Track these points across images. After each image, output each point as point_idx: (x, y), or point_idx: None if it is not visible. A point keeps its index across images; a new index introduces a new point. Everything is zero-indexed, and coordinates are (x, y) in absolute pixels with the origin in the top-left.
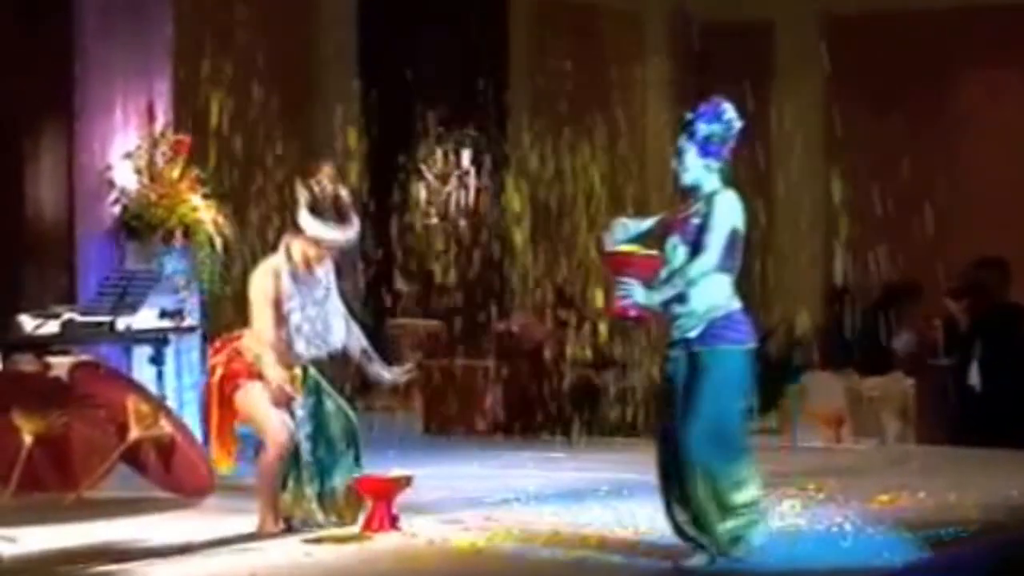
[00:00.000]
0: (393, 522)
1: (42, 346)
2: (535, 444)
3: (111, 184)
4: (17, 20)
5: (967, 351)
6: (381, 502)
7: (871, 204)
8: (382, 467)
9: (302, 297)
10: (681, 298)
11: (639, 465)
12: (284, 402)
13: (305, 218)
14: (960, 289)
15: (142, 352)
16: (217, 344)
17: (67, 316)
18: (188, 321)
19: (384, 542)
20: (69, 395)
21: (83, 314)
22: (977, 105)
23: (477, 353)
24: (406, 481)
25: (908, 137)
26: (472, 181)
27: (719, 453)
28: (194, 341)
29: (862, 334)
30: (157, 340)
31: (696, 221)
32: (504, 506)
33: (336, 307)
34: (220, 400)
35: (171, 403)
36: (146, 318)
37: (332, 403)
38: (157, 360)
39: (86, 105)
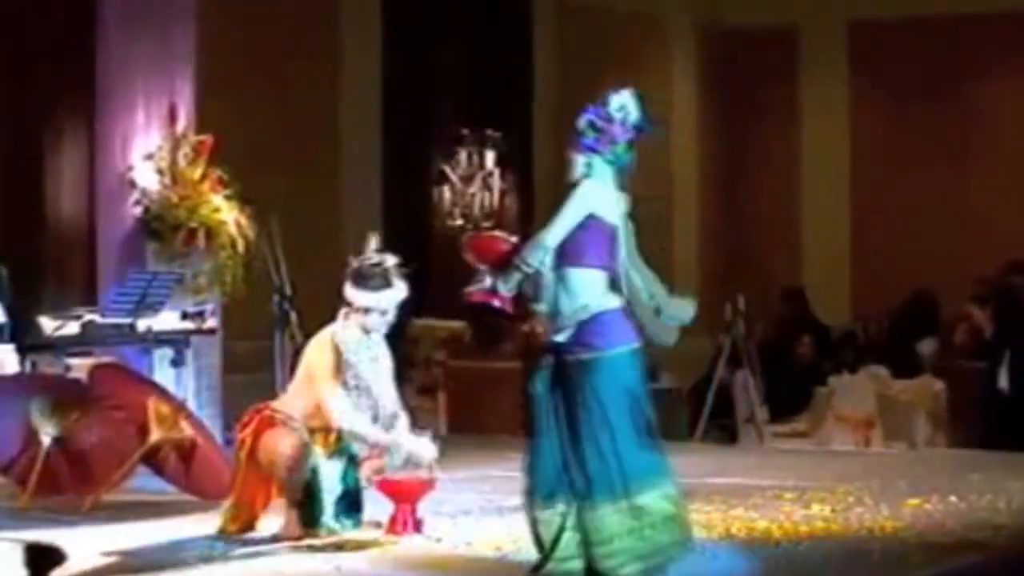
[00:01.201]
0: (417, 525)
1: (62, 347)
2: None
3: (132, 185)
4: (39, 21)
5: (995, 356)
6: (405, 505)
7: (896, 208)
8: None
9: (358, 366)
10: (548, 298)
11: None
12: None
13: (350, 290)
14: (985, 294)
15: (163, 354)
16: (245, 419)
17: (88, 317)
18: (209, 323)
19: (407, 546)
20: (89, 397)
21: (104, 315)
22: (1002, 110)
23: (501, 354)
24: (430, 484)
25: (933, 141)
26: (496, 183)
27: (619, 474)
28: (215, 343)
29: (889, 337)
30: (178, 342)
31: None
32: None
33: (388, 376)
34: (248, 466)
35: (191, 405)
36: (167, 320)
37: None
38: (178, 362)
39: (107, 105)
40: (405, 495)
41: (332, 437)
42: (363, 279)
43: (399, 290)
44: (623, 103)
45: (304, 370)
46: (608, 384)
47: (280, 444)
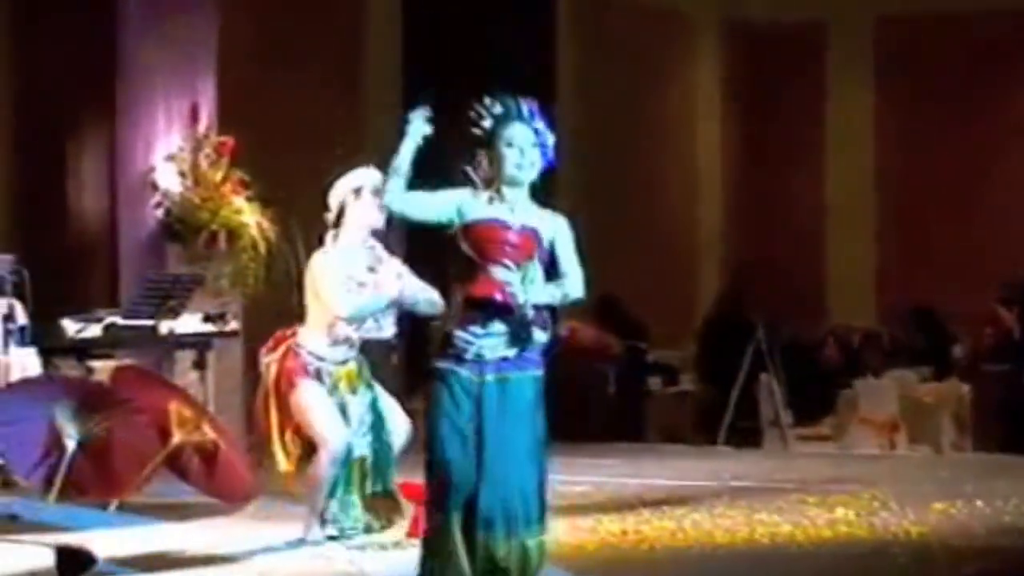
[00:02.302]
0: None
1: (84, 350)
2: (584, 449)
3: (154, 187)
4: (60, 22)
5: (1021, 357)
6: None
7: (922, 206)
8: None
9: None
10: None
11: (690, 471)
12: None
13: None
14: (1012, 296)
15: (185, 356)
16: (271, 343)
17: (110, 320)
18: (231, 325)
19: None
20: (111, 399)
21: (126, 318)
22: None
23: None
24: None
25: (961, 139)
26: None
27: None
28: (237, 345)
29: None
30: (200, 344)
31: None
32: (552, 513)
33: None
34: (278, 400)
35: (213, 408)
36: (189, 322)
37: (387, 402)
38: (200, 364)
39: (129, 106)
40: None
41: (354, 371)
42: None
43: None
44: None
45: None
46: (530, 405)
47: (324, 429)
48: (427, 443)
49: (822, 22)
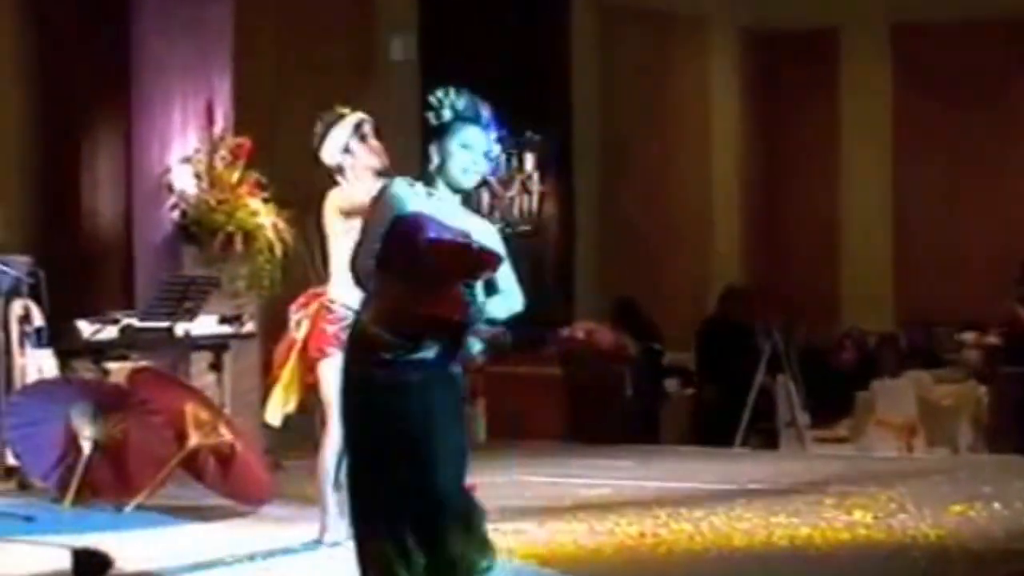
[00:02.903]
0: None
1: (101, 352)
2: (601, 452)
3: (169, 188)
4: (75, 20)
5: None
6: None
7: (939, 212)
8: None
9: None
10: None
11: (707, 473)
12: None
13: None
14: None
15: (201, 358)
16: (302, 299)
17: (126, 322)
18: (247, 327)
19: None
20: (128, 401)
21: (142, 320)
22: None
23: (541, 360)
24: (469, 490)
25: (976, 145)
26: (535, 186)
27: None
28: (253, 347)
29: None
30: (216, 346)
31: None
32: (570, 516)
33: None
34: (302, 358)
35: (229, 410)
36: (205, 324)
37: None
38: (216, 366)
39: (145, 108)
40: None
41: None
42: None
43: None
44: None
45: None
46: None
47: (329, 399)
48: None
49: (838, 29)
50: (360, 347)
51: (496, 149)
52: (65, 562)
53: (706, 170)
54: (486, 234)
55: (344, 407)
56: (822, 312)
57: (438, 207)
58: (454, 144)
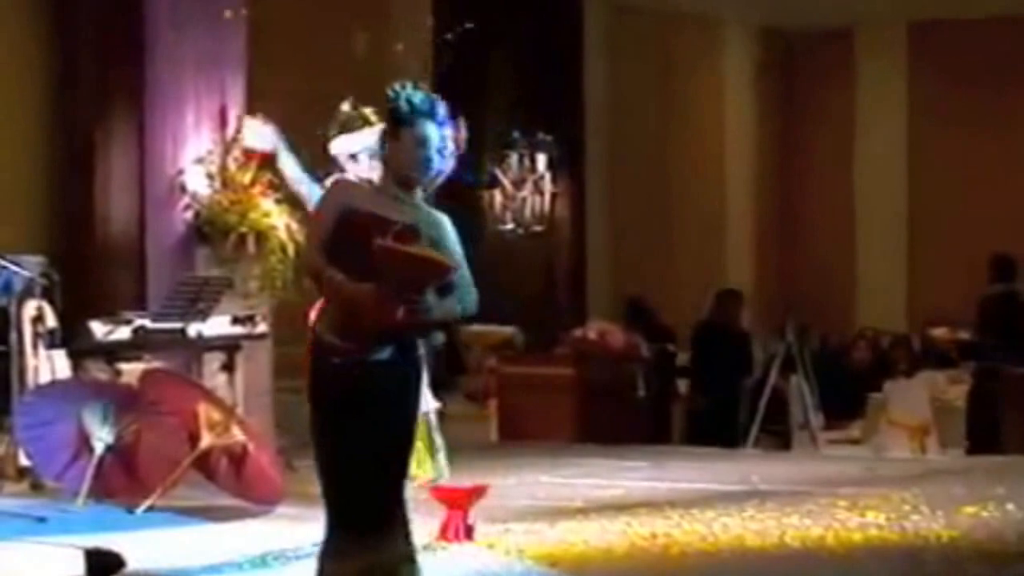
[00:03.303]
0: (468, 532)
1: (113, 352)
2: (613, 453)
3: (182, 189)
4: (90, 23)
5: None
6: (456, 511)
7: (954, 214)
8: (457, 475)
9: None
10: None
11: (719, 474)
12: None
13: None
14: None
15: (214, 359)
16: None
17: (139, 322)
18: (260, 328)
19: (459, 553)
20: (140, 402)
21: (155, 320)
22: None
23: (553, 360)
24: (481, 491)
25: (993, 145)
26: (548, 186)
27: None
28: (266, 348)
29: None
30: (229, 347)
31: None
32: (582, 517)
33: None
34: None
35: (242, 410)
36: (217, 325)
37: None
38: (229, 367)
39: (158, 109)
40: (456, 501)
41: None
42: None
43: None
44: None
45: None
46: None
47: None
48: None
49: (853, 28)
50: (318, 352)
51: (450, 146)
52: (78, 562)
53: (719, 170)
54: (436, 226)
55: (312, 405)
56: (836, 313)
57: (384, 202)
58: (408, 138)
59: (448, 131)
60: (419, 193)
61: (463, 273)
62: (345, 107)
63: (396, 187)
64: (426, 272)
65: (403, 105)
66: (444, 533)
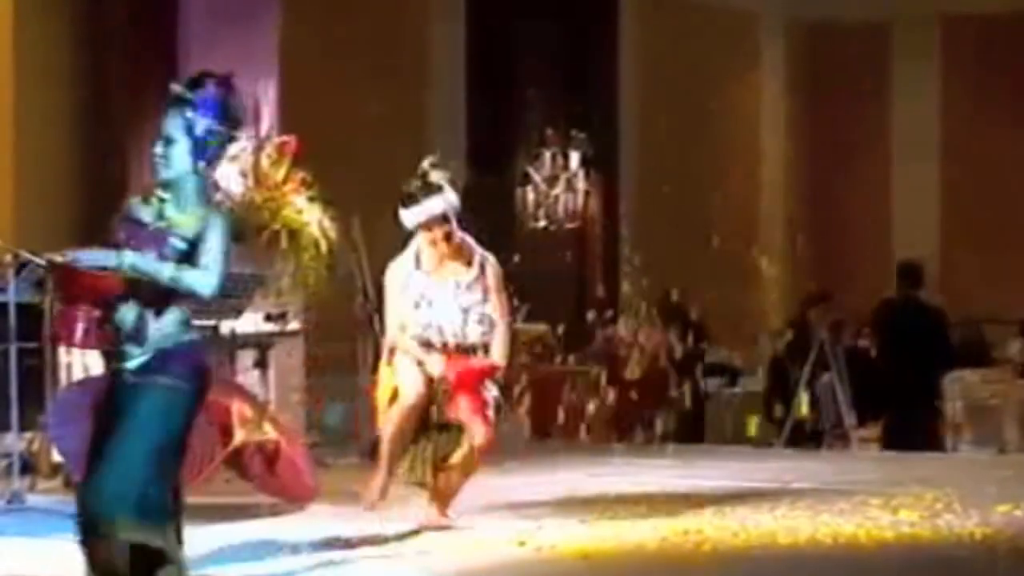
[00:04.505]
0: (484, 408)
1: None
2: (644, 451)
3: (215, 186)
4: (123, 23)
5: None
6: (463, 391)
7: (988, 209)
8: (488, 472)
9: (427, 294)
10: (133, 321)
11: (748, 473)
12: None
13: (401, 214)
14: None
15: (246, 355)
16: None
17: None
18: (292, 325)
19: (489, 549)
20: None
21: None
22: None
23: (585, 358)
24: (491, 368)
25: None
26: (580, 184)
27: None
28: (298, 345)
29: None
30: (261, 344)
31: (179, 238)
32: (614, 513)
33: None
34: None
35: (274, 407)
36: (250, 321)
37: None
38: (261, 363)
39: None
40: (467, 380)
41: None
42: (405, 198)
43: (436, 199)
44: (238, 115)
45: None
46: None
47: (403, 381)
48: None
49: (887, 22)
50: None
51: (198, 125)
52: None
53: (752, 166)
54: (202, 220)
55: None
56: (869, 311)
57: (147, 205)
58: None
59: (191, 112)
60: (186, 190)
61: (214, 257)
62: None
63: (160, 192)
64: (79, 287)
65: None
66: (450, 412)
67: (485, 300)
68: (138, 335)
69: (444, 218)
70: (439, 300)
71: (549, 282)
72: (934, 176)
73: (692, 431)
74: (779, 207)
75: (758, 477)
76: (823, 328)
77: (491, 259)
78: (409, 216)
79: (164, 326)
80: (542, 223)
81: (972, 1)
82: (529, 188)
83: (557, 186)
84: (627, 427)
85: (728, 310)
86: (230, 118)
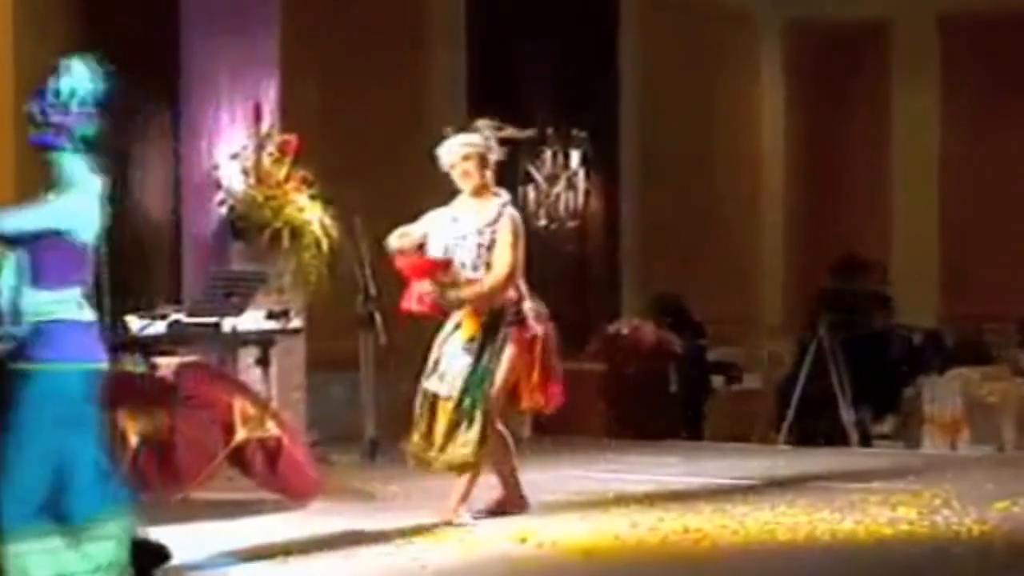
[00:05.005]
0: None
1: (149, 347)
2: (645, 448)
3: (218, 185)
4: (122, 20)
5: None
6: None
7: (988, 208)
8: (487, 471)
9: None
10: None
11: (751, 469)
12: None
13: (440, 150)
14: None
15: (248, 353)
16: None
17: (174, 317)
18: (294, 323)
19: (492, 546)
20: (175, 396)
21: (190, 315)
22: None
23: (586, 355)
24: (445, 264)
25: None
26: (581, 183)
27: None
28: (300, 343)
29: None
30: (263, 341)
31: None
32: (613, 510)
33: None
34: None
35: (276, 405)
36: (252, 319)
37: None
38: (263, 361)
39: (193, 105)
40: (419, 271)
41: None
42: (448, 135)
43: (480, 137)
44: (72, 85)
45: None
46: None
47: None
48: None
49: (886, 20)
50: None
51: (48, 105)
52: None
53: (753, 165)
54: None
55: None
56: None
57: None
58: None
59: (49, 94)
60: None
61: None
62: None
63: None
64: None
65: None
66: (407, 302)
67: (490, 247)
68: None
69: (482, 158)
70: (463, 237)
71: (549, 280)
72: (934, 176)
73: (692, 428)
74: (779, 206)
75: (758, 474)
76: (823, 328)
77: (512, 212)
78: (451, 146)
79: None
80: (543, 221)
81: (972, 1)
82: (530, 187)
83: (558, 184)
84: (627, 424)
85: (728, 308)
86: (54, 103)
